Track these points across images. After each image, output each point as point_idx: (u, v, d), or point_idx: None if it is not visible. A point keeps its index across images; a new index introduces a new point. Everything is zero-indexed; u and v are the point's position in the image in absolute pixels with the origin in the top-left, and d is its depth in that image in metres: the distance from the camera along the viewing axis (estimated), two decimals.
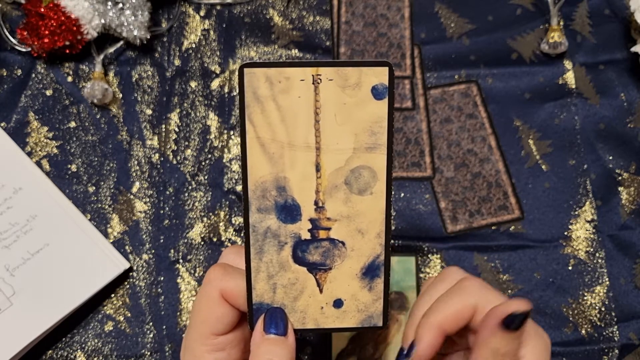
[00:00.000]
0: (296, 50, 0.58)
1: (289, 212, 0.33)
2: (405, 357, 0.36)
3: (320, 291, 0.34)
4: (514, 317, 0.32)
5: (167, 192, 0.55)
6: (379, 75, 0.32)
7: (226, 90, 0.57)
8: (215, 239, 0.53)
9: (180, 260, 0.53)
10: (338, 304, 0.35)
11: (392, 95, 0.32)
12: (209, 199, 0.54)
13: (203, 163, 0.55)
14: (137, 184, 0.55)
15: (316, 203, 0.33)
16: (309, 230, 0.34)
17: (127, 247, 0.53)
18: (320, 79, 0.32)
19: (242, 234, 0.54)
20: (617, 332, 0.51)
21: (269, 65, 0.31)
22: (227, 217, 0.54)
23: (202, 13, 0.59)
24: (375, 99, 0.32)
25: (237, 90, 0.31)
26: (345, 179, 0.33)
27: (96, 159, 0.55)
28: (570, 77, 0.57)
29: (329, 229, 0.34)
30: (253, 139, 0.32)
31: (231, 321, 0.35)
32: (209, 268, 0.36)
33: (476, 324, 0.35)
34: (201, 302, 0.35)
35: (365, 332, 0.39)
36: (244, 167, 0.32)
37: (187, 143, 0.56)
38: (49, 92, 0.57)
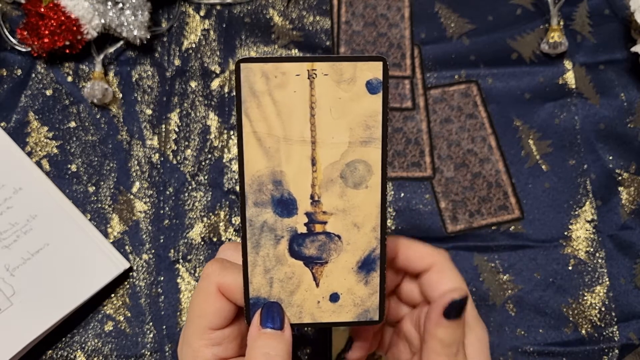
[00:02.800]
0: (296, 50, 0.58)
1: (285, 206, 0.33)
2: (344, 353, 0.40)
3: (317, 285, 0.34)
4: (453, 305, 0.34)
5: (167, 192, 0.55)
6: (374, 70, 0.32)
7: (226, 90, 0.57)
8: (215, 239, 0.54)
9: (180, 260, 0.53)
10: (334, 298, 0.35)
11: (386, 89, 0.32)
12: (209, 199, 0.54)
13: (203, 163, 0.55)
14: (137, 184, 0.55)
15: (312, 197, 0.33)
16: (305, 224, 0.34)
17: (127, 247, 0.53)
18: (316, 74, 0.32)
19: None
20: (617, 332, 0.51)
21: (265, 60, 0.32)
22: (227, 217, 0.54)
23: (202, 13, 0.59)
24: (370, 94, 0.32)
25: (234, 85, 0.31)
26: (341, 172, 0.33)
27: (96, 159, 0.55)
28: (570, 77, 0.57)
29: (324, 222, 0.34)
30: (249, 133, 0.32)
31: (228, 315, 0.35)
32: (206, 263, 0.36)
33: (426, 284, 0.37)
34: (198, 296, 0.35)
35: (361, 327, 0.39)
36: (240, 161, 0.33)
37: (187, 143, 0.56)
38: (49, 92, 0.57)
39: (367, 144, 0.33)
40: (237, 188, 0.54)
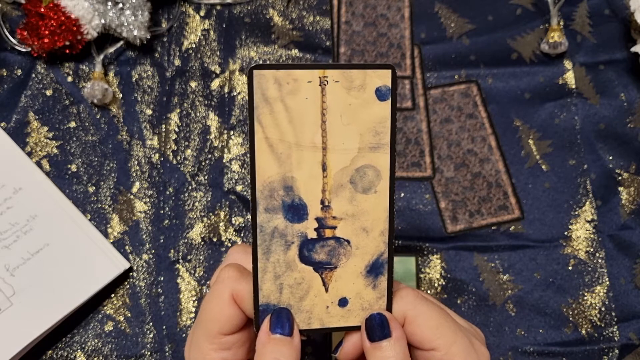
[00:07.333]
0: (296, 50, 0.58)
1: (295, 211, 0.34)
2: (333, 353, 0.38)
3: (326, 290, 0.35)
4: (369, 329, 0.34)
5: (167, 192, 0.55)
6: (383, 78, 0.33)
7: (226, 90, 0.57)
8: (215, 239, 0.54)
9: (180, 260, 0.53)
10: (343, 302, 0.35)
11: (395, 96, 0.33)
12: (209, 199, 0.54)
13: (203, 163, 0.55)
14: (137, 184, 0.55)
15: (322, 202, 0.34)
16: (315, 229, 0.34)
17: (127, 247, 0.53)
18: (327, 81, 0.32)
19: (242, 234, 0.54)
20: (617, 332, 0.51)
21: (278, 67, 0.32)
22: (227, 217, 0.54)
23: (202, 13, 0.59)
24: (379, 100, 0.33)
25: (247, 92, 0.31)
26: (351, 178, 0.34)
27: (96, 159, 0.55)
28: (570, 77, 0.57)
29: (334, 227, 0.34)
30: (261, 139, 0.33)
31: (240, 323, 0.35)
32: (223, 267, 0.36)
33: (410, 335, 0.35)
34: (212, 301, 0.35)
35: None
36: (252, 167, 0.33)
37: (187, 143, 0.56)
38: (49, 92, 0.57)
39: (376, 150, 0.33)
40: (238, 188, 0.54)
